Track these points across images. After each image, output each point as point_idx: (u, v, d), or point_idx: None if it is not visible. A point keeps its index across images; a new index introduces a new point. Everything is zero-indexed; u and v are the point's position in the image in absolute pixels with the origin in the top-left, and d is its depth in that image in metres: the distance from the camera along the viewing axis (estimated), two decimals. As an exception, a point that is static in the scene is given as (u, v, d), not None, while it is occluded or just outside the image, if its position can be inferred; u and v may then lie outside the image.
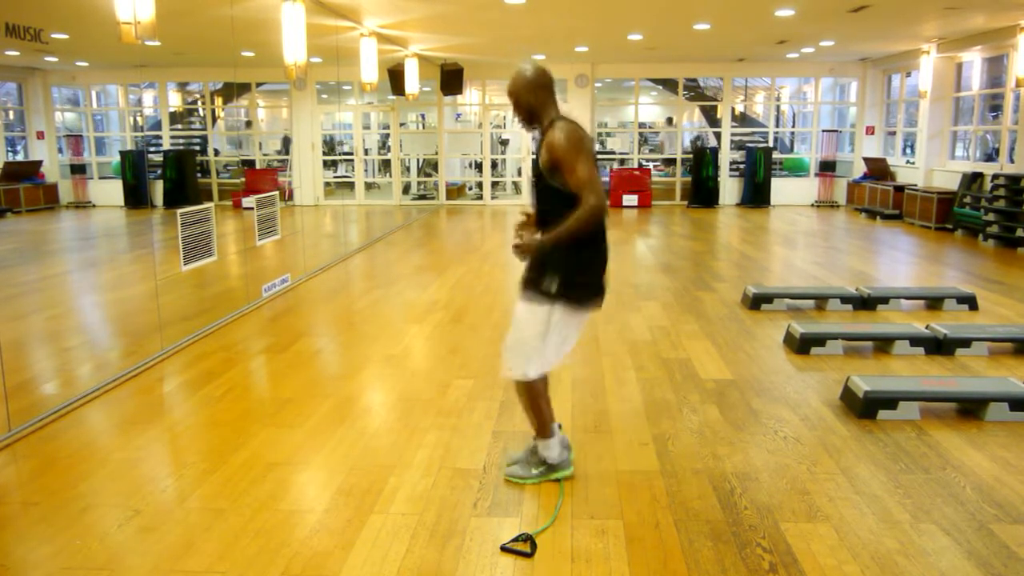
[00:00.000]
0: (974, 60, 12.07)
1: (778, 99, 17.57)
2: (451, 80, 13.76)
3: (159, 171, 15.83)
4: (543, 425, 3.28)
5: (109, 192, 16.01)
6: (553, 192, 2.97)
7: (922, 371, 4.87)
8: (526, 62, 3.09)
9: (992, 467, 3.45)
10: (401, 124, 16.88)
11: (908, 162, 13.76)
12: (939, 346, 5.19)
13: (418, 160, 17.62)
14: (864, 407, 4.02)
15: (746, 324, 6.03)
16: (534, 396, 3.23)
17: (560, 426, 3.87)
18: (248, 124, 17.82)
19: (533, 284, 3.06)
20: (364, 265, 9.10)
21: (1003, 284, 7.57)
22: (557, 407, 4.17)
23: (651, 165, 16.69)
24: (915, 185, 12.72)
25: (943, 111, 12.68)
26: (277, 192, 7.49)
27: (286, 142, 17.55)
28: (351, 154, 16.88)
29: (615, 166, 15.97)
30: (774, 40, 12.01)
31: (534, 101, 3.06)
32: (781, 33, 11.23)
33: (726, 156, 15.75)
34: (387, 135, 17.16)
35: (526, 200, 3.38)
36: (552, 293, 3.02)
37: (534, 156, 3.13)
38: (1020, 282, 7.68)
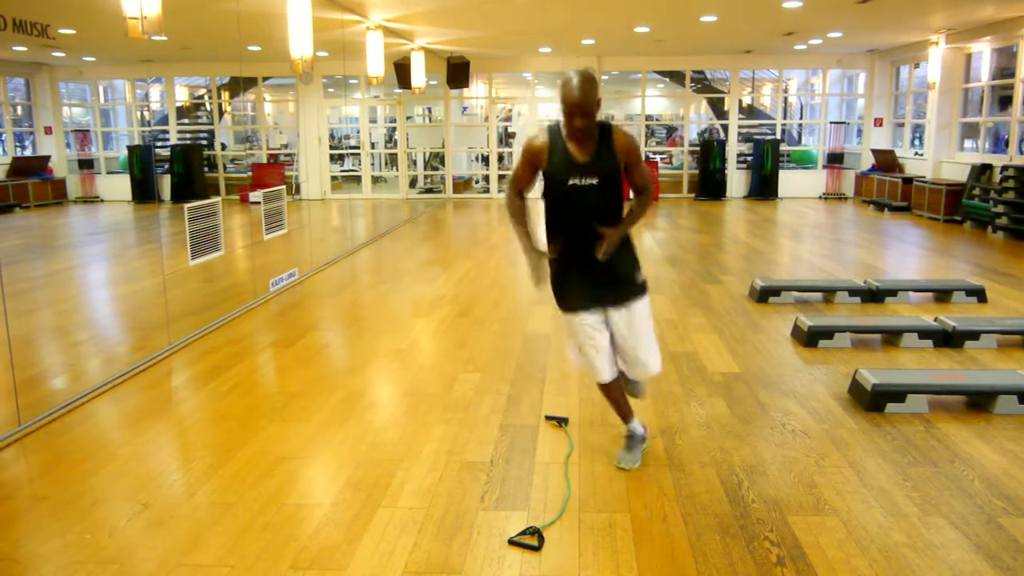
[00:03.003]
0: (983, 51, 11.99)
1: (786, 91, 17.49)
2: (457, 73, 13.73)
3: (166, 166, 15.86)
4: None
5: (117, 187, 16.05)
6: (617, 191, 3.15)
7: (930, 364, 4.85)
8: (575, 68, 3.02)
9: (1001, 460, 3.44)
10: (407, 118, 16.87)
11: (916, 154, 13.69)
12: (948, 339, 5.17)
13: (424, 154, 17.63)
14: (872, 400, 4.01)
15: (753, 317, 6.01)
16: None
17: (566, 420, 3.90)
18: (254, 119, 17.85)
19: (631, 283, 3.25)
20: (371, 259, 9.11)
21: (1012, 276, 7.53)
22: (564, 402, 4.19)
23: (658, 158, 16.68)
24: (923, 177, 12.65)
25: (952, 102, 12.60)
26: (284, 186, 7.49)
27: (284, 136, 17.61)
28: (357, 148, 16.89)
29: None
30: (781, 32, 11.95)
31: (597, 108, 3.01)
32: (788, 25, 11.16)
33: (733, 148, 15.68)
34: (393, 129, 17.17)
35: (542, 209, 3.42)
36: (644, 282, 3.31)
37: (583, 163, 3.06)
38: (1030, 274, 7.64)
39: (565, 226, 3.18)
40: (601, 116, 3.12)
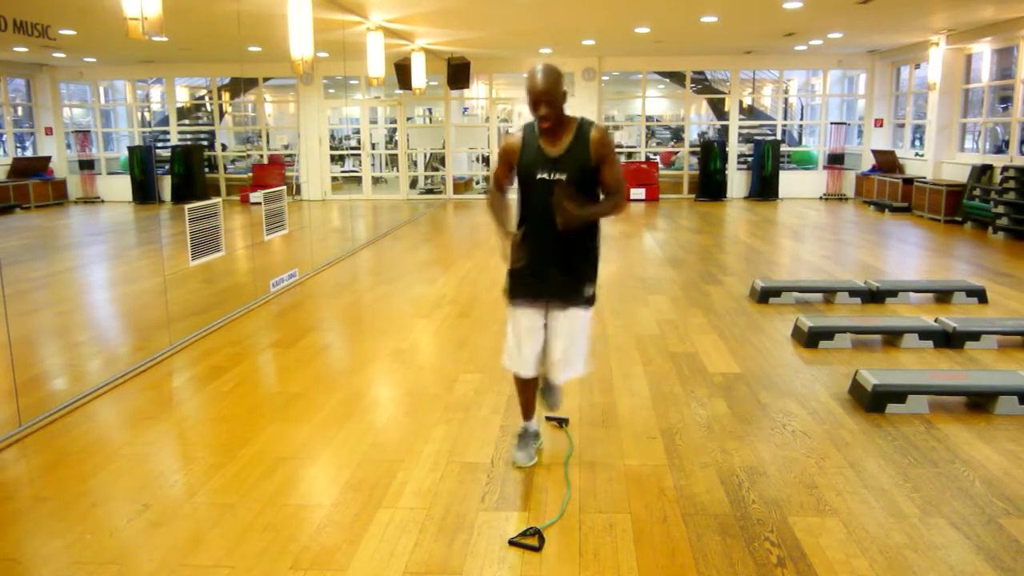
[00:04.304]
0: (983, 52, 11.98)
1: (786, 92, 17.49)
2: (458, 74, 13.74)
3: (167, 166, 15.87)
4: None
5: (117, 188, 16.06)
6: (588, 188, 3.13)
7: (931, 365, 4.85)
8: (539, 62, 3.07)
9: (1001, 461, 3.44)
10: (408, 118, 16.87)
11: (917, 154, 13.69)
12: (948, 339, 5.17)
13: (425, 154, 17.63)
14: (873, 401, 4.01)
15: (754, 318, 6.01)
16: None
17: (567, 421, 3.90)
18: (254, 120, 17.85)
19: (580, 292, 3.23)
20: (371, 260, 9.11)
21: (1013, 277, 7.53)
22: (565, 403, 4.18)
23: (658, 158, 16.67)
24: (924, 178, 12.64)
25: (952, 103, 12.60)
26: (284, 187, 7.50)
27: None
28: (358, 149, 16.89)
29: (622, 160, 15.93)
30: (782, 32, 11.95)
31: (563, 99, 3.05)
32: (789, 25, 11.16)
33: (734, 149, 15.68)
34: (394, 129, 17.17)
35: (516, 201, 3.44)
36: (593, 296, 3.27)
37: (554, 158, 3.08)
38: (1030, 275, 7.64)
39: (531, 219, 3.19)
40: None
